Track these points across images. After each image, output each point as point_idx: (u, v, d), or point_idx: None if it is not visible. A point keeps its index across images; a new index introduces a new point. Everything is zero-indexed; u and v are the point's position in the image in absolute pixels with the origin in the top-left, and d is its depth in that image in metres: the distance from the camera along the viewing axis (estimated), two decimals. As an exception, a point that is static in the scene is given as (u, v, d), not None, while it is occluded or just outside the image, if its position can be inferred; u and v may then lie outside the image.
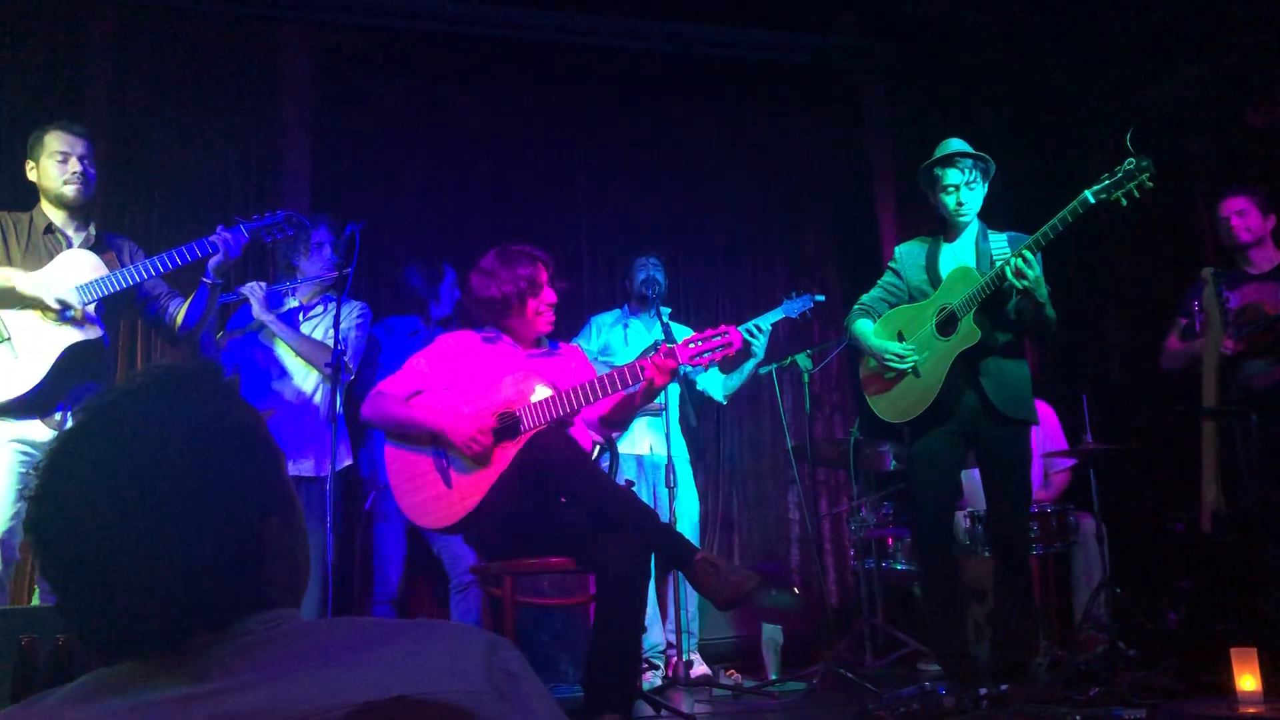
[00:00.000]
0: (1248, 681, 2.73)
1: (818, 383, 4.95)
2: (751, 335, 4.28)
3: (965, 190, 3.47)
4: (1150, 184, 3.14)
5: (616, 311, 4.61)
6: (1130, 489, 4.52)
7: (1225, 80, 4.86)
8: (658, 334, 4.20)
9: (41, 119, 3.40)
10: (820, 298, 4.44)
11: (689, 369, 2.91)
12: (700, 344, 2.90)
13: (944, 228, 3.62)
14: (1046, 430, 4.65)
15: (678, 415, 4.36)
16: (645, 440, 4.34)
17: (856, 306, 3.69)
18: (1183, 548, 3.36)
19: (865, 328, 3.60)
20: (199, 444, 0.83)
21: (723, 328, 2.95)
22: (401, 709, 0.74)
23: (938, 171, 3.50)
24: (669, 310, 4.45)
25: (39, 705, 0.80)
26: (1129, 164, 3.16)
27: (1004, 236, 3.50)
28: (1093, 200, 3.17)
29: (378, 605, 4.12)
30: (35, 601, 3.29)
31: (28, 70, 4.50)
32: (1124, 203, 3.15)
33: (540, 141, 5.44)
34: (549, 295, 3.12)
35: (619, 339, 4.48)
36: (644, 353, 4.30)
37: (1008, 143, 5.66)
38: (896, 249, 3.74)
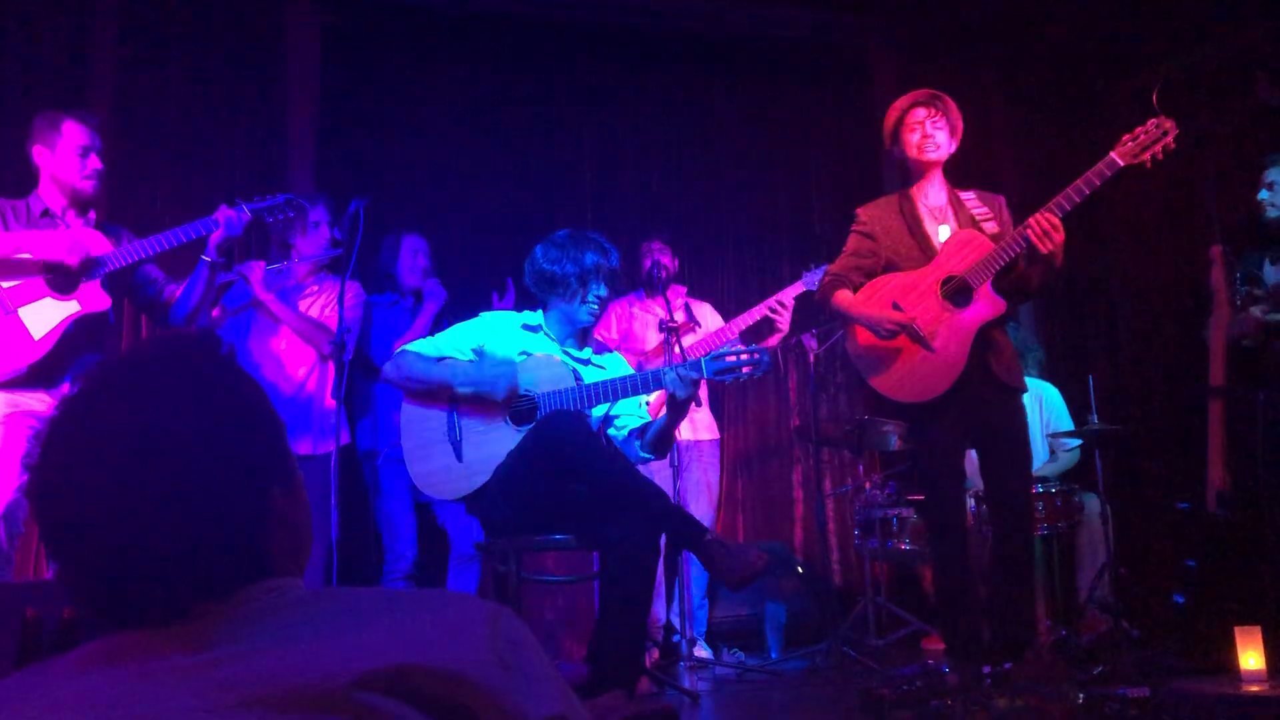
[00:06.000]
0: (1252, 660, 2.73)
1: (823, 362, 4.92)
2: (775, 310, 4.25)
3: (929, 125, 3.31)
4: (1174, 145, 3.02)
5: (630, 297, 4.61)
6: (1135, 469, 4.50)
7: (1237, 56, 4.81)
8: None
9: (46, 97, 3.36)
10: None
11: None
12: (725, 361, 2.86)
13: (909, 180, 3.41)
14: (1052, 409, 4.64)
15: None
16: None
17: (828, 278, 3.39)
18: (1187, 527, 3.34)
19: (849, 299, 3.31)
20: (201, 413, 0.83)
21: (759, 345, 2.94)
22: (404, 677, 0.74)
23: (904, 115, 3.36)
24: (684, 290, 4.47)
25: (40, 676, 0.80)
26: (1154, 124, 3.05)
27: (971, 194, 3.37)
28: (1121, 163, 3.03)
29: (391, 583, 4.12)
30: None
31: (32, 48, 4.47)
32: (1148, 165, 3.03)
33: (546, 120, 5.41)
34: (602, 289, 3.11)
35: (639, 326, 4.49)
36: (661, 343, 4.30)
37: (1020, 118, 5.64)
38: (860, 212, 3.46)
